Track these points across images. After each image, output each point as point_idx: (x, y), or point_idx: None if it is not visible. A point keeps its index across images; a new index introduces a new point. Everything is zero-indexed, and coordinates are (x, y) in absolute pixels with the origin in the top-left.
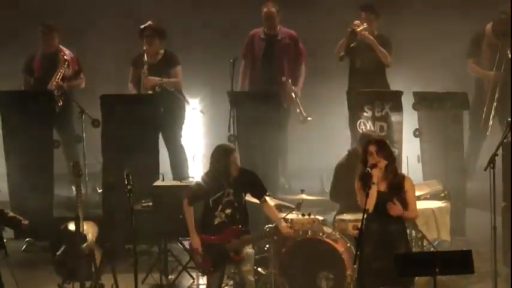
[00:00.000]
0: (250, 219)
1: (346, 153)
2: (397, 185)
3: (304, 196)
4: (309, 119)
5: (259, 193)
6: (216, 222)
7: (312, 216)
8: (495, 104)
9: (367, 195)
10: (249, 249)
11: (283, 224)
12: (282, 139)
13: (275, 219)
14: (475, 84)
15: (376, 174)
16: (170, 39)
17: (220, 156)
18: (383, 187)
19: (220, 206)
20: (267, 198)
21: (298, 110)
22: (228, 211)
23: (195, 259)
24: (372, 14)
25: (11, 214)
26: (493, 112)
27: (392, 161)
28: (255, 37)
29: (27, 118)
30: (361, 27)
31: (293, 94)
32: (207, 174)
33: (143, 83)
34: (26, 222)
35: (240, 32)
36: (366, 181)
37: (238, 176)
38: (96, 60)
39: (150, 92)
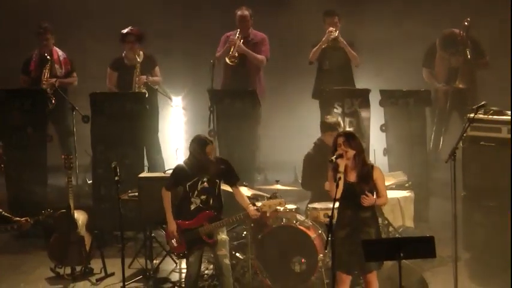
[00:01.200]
0: (226, 205)
1: (313, 144)
2: (366, 175)
3: (279, 186)
4: None
5: (232, 180)
6: (192, 208)
7: (277, 199)
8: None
9: (337, 185)
10: (223, 236)
11: (251, 207)
12: (257, 133)
13: (245, 204)
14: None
15: (342, 163)
16: (153, 41)
17: (197, 146)
18: (353, 176)
19: (196, 192)
20: (241, 187)
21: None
22: (203, 197)
23: (170, 243)
24: (336, 18)
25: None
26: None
27: (361, 152)
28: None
29: (20, 115)
30: (337, 33)
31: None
32: (186, 161)
33: (135, 82)
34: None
35: (219, 34)
36: (336, 171)
37: (214, 164)
38: (86, 60)
39: (143, 90)
